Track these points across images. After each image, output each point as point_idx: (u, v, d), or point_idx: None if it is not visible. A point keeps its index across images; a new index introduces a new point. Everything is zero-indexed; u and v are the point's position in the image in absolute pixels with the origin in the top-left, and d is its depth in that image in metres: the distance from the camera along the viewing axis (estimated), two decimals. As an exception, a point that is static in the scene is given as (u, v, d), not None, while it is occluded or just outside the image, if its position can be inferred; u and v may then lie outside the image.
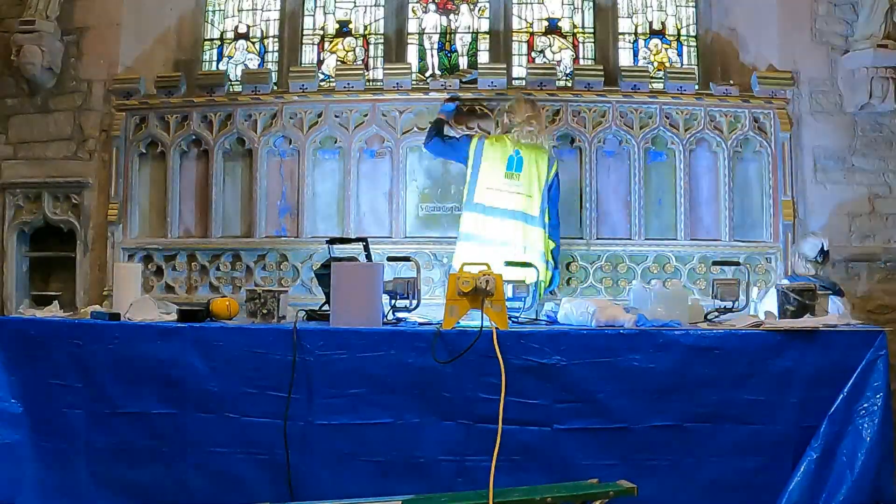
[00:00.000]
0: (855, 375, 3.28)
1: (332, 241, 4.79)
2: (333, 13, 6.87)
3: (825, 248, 5.20)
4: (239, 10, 6.94)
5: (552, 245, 5.16)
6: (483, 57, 6.66)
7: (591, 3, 6.75)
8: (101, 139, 6.24)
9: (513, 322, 3.67)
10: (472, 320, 3.41)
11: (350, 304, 3.47)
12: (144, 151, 6.17)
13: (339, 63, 6.68)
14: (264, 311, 3.61)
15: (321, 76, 6.50)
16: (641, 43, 6.73)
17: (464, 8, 6.77)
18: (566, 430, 3.27)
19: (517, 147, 5.09)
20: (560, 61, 6.67)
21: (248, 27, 6.91)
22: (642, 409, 3.28)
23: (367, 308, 3.44)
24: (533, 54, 6.70)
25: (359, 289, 3.48)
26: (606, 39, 6.68)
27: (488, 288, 3.31)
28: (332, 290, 3.58)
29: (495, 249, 4.75)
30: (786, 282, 4.25)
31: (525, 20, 6.76)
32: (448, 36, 6.76)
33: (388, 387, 3.26)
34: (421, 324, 3.63)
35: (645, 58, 6.67)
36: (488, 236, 4.97)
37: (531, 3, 6.78)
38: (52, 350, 3.50)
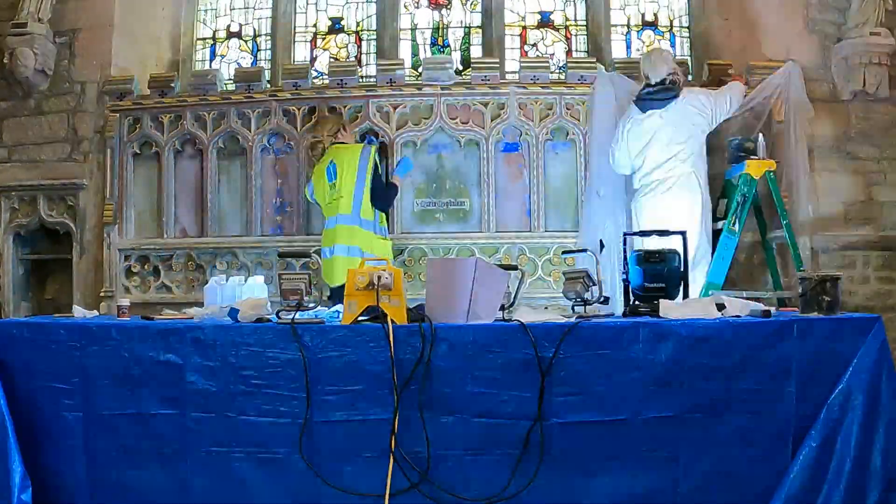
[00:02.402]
0: (853, 362, 3.27)
1: (282, 255, 5.24)
2: (325, 10, 6.87)
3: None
4: (231, 9, 6.94)
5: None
6: (476, 51, 6.66)
7: (583, -4, 6.75)
8: (95, 140, 6.25)
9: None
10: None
11: (445, 299, 3.46)
12: (139, 152, 6.18)
13: (331, 60, 6.68)
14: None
15: (314, 73, 6.51)
16: (634, 35, 6.73)
17: (456, 3, 6.77)
18: (565, 423, 3.27)
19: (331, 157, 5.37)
20: (553, 54, 6.67)
21: (241, 26, 6.92)
22: (641, 400, 3.28)
23: (458, 303, 3.42)
24: (526, 48, 6.70)
25: (452, 284, 3.46)
26: (599, 32, 6.69)
27: (383, 283, 3.32)
28: (427, 286, 3.63)
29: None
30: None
31: (517, 14, 6.77)
32: (440, 31, 6.76)
33: (387, 383, 3.25)
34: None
35: (638, 49, 6.68)
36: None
37: (523, -3, 6.77)
38: (51, 352, 3.49)
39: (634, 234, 4.65)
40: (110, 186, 6.13)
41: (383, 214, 5.40)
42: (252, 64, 6.77)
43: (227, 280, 4.22)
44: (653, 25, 6.74)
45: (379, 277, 3.33)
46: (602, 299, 3.72)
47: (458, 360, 3.28)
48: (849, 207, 6.01)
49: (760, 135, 5.41)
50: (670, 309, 3.49)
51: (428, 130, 5.98)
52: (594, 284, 3.74)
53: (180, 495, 3.36)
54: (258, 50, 6.90)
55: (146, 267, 6.12)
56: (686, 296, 3.88)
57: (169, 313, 4.08)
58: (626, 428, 3.27)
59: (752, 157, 5.29)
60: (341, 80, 6.07)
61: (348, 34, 6.84)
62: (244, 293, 4.04)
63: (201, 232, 6.11)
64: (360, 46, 6.82)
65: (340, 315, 3.55)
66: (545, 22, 6.77)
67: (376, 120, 5.98)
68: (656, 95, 5.21)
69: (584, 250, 4.70)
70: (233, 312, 3.63)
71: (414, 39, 6.78)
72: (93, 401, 3.44)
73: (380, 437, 3.21)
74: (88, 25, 6.35)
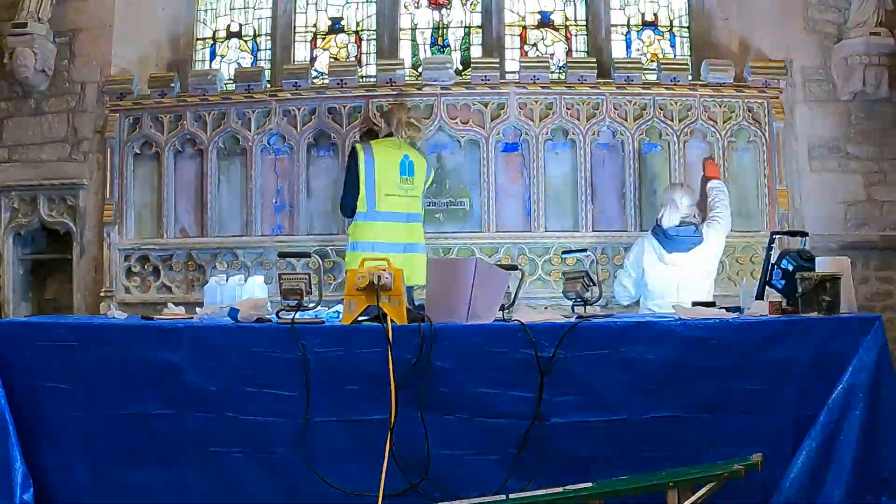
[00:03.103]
0: (853, 362, 3.28)
1: (282, 255, 5.16)
2: (325, 10, 6.87)
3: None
4: (231, 9, 6.93)
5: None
6: (476, 51, 6.66)
7: (583, -5, 6.75)
8: (95, 140, 6.24)
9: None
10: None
11: (445, 299, 3.46)
12: (139, 152, 6.18)
13: (331, 60, 6.68)
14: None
15: (314, 73, 6.51)
16: (634, 34, 6.73)
17: (456, 3, 6.77)
18: (565, 423, 3.27)
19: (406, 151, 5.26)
20: (553, 54, 6.67)
21: (241, 25, 6.91)
22: (640, 400, 3.28)
23: (458, 303, 3.42)
24: (526, 48, 6.70)
25: (452, 284, 3.46)
26: (599, 32, 6.68)
27: (383, 283, 3.32)
28: (427, 285, 3.62)
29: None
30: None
31: (517, 14, 6.76)
32: (440, 31, 6.76)
33: (386, 383, 3.25)
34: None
35: (638, 49, 6.67)
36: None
37: (523, -3, 6.77)
38: (51, 352, 3.49)
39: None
40: (110, 186, 6.12)
41: None
42: (252, 64, 6.76)
43: (227, 280, 4.22)
44: (653, 25, 6.73)
45: (379, 277, 3.33)
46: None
47: (457, 360, 3.29)
48: (849, 207, 6.01)
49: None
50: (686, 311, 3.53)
51: (428, 130, 5.97)
52: (594, 284, 3.74)
53: (180, 495, 3.36)
54: (258, 50, 6.89)
55: (146, 267, 6.12)
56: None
57: (170, 312, 4.08)
58: (626, 428, 3.28)
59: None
60: (341, 80, 6.07)
61: (348, 34, 6.83)
62: (244, 293, 4.05)
63: (201, 232, 6.11)
64: (360, 46, 6.81)
65: (340, 315, 3.55)
66: (545, 22, 6.76)
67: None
68: (682, 233, 5.14)
69: (584, 250, 4.71)
70: (233, 312, 3.64)
71: (414, 39, 6.78)
72: (93, 401, 3.44)
73: (379, 438, 3.22)
74: (88, 25, 6.34)
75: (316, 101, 6.06)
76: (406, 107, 5.56)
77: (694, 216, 5.19)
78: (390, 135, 5.29)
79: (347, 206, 5.19)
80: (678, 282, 5.01)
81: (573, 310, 3.84)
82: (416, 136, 5.40)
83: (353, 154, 5.15)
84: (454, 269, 3.52)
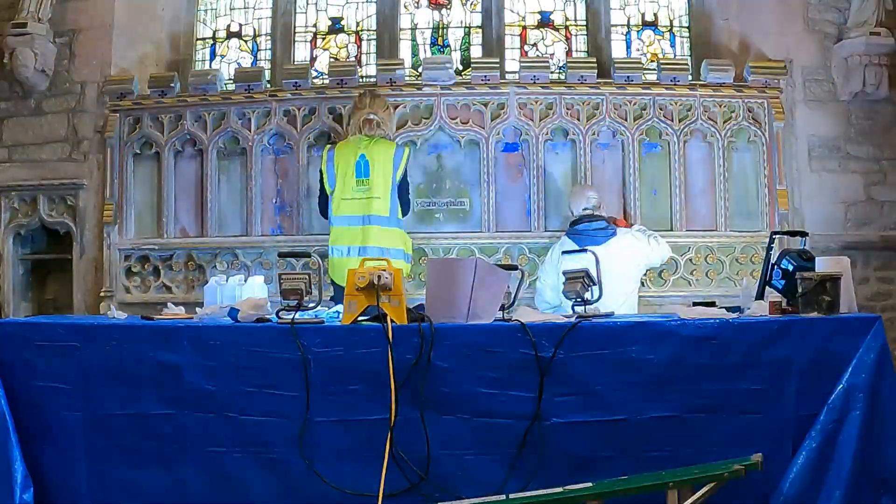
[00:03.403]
0: (853, 362, 3.28)
1: (282, 255, 5.20)
2: (325, 10, 6.86)
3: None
4: (231, 9, 6.93)
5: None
6: (476, 51, 6.66)
7: (583, -5, 6.75)
8: (95, 140, 6.24)
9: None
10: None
11: (445, 299, 3.46)
12: (139, 152, 6.18)
13: (331, 60, 6.68)
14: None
15: (314, 73, 6.51)
16: (634, 34, 6.73)
17: (456, 3, 6.77)
18: (564, 423, 3.27)
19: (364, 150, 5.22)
20: (553, 54, 6.66)
21: (241, 25, 6.91)
22: (640, 400, 3.28)
23: (458, 303, 3.42)
24: (526, 48, 6.70)
25: (452, 284, 3.46)
26: (599, 31, 6.68)
27: (383, 283, 3.32)
28: (427, 285, 3.62)
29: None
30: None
31: (517, 14, 6.76)
32: (440, 31, 6.76)
33: (386, 383, 3.26)
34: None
35: (638, 49, 6.67)
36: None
37: (523, -3, 6.77)
38: (51, 352, 3.50)
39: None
40: (110, 186, 6.12)
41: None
42: (252, 64, 6.76)
43: (227, 280, 4.22)
44: (653, 25, 6.73)
45: (379, 277, 3.34)
46: None
47: (457, 360, 3.29)
48: (849, 207, 6.01)
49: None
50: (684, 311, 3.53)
51: (428, 130, 5.98)
52: (594, 284, 3.74)
53: (180, 495, 3.37)
54: (258, 50, 6.89)
55: (146, 267, 6.11)
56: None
57: (170, 312, 4.08)
58: (626, 428, 3.28)
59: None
60: (341, 80, 6.06)
61: (348, 34, 6.83)
62: (244, 293, 4.05)
63: (201, 232, 6.11)
64: (360, 46, 6.81)
65: (340, 315, 3.56)
66: (545, 22, 6.76)
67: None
68: (593, 226, 5.16)
69: (584, 250, 4.70)
70: (233, 312, 3.64)
71: (414, 39, 6.78)
72: (93, 401, 3.45)
73: (379, 437, 3.22)
74: (88, 25, 6.34)
75: (316, 101, 6.05)
76: (366, 102, 5.40)
77: (603, 211, 5.28)
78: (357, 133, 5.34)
79: (321, 211, 5.41)
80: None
81: (573, 309, 3.84)
82: (375, 133, 5.31)
83: (320, 160, 5.32)
84: (454, 269, 3.53)
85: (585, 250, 4.41)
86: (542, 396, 3.24)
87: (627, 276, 5.06)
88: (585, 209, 5.24)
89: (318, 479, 3.25)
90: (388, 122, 5.55)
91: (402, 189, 5.25)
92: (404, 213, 5.31)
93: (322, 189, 5.29)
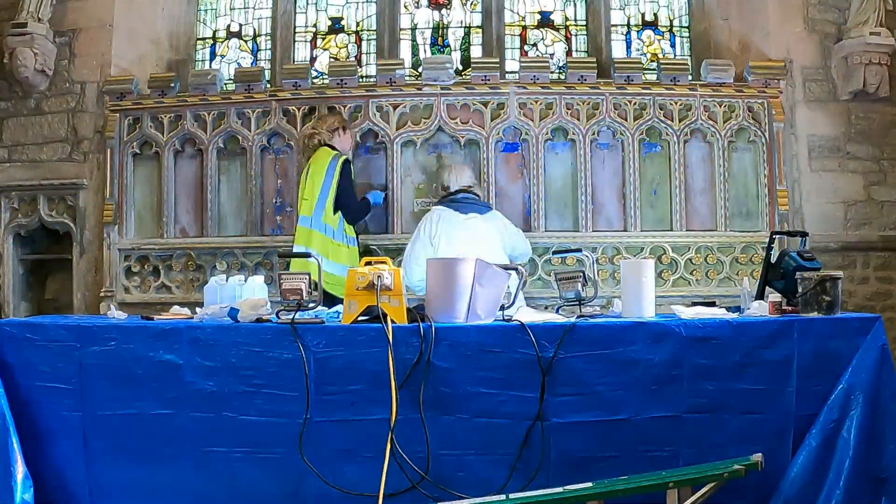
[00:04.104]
0: (853, 362, 3.28)
1: (282, 255, 5.30)
2: (325, 10, 6.87)
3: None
4: (231, 9, 6.93)
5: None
6: (476, 51, 6.66)
7: (583, -5, 6.75)
8: (95, 140, 6.25)
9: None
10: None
11: (445, 299, 3.46)
12: (139, 152, 6.18)
13: (331, 60, 6.68)
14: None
15: (314, 73, 6.51)
16: (634, 34, 6.73)
17: (456, 3, 6.77)
18: (565, 423, 3.27)
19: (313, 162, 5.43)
20: (553, 54, 6.67)
21: (241, 25, 6.91)
22: (640, 400, 3.28)
23: (458, 303, 3.42)
24: (526, 48, 6.70)
25: (452, 284, 3.46)
26: (599, 31, 6.68)
27: (383, 283, 3.33)
28: (427, 285, 3.62)
29: None
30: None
31: (517, 14, 6.76)
32: (440, 31, 6.76)
33: (387, 383, 3.25)
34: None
35: (638, 49, 6.67)
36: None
37: (523, -3, 6.77)
38: (51, 352, 3.49)
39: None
40: (110, 186, 6.12)
41: (349, 225, 5.40)
42: (252, 64, 6.76)
43: (227, 280, 4.22)
44: (653, 25, 6.73)
45: (379, 277, 3.34)
46: None
47: (457, 360, 3.29)
48: (849, 207, 6.01)
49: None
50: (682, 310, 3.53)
51: (428, 130, 5.98)
52: (590, 283, 3.74)
53: (180, 495, 3.37)
54: (258, 50, 6.89)
55: (146, 267, 6.12)
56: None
57: (174, 313, 4.08)
58: (626, 428, 3.28)
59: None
60: (341, 79, 6.06)
61: (348, 34, 6.83)
62: (244, 293, 4.04)
63: (201, 232, 6.11)
64: (360, 46, 6.81)
65: (340, 315, 3.55)
66: (545, 22, 6.76)
67: (376, 119, 5.97)
68: (471, 198, 5.19)
69: (579, 250, 4.70)
70: (233, 312, 3.64)
71: (414, 39, 6.78)
72: (92, 401, 3.44)
73: (380, 437, 3.21)
74: (88, 25, 6.34)
75: (316, 101, 6.06)
76: (323, 122, 5.62)
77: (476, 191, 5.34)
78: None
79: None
80: (478, 249, 4.60)
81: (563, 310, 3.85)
82: (311, 143, 5.52)
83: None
84: (454, 269, 3.52)
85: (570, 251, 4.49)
86: (543, 396, 3.24)
87: (497, 252, 4.95)
88: (465, 185, 5.27)
89: (319, 479, 3.25)
90: (335, 139, 5.56)
91: (341, 198, 5.34)
92: (351, 221, 5.42)
93: None
